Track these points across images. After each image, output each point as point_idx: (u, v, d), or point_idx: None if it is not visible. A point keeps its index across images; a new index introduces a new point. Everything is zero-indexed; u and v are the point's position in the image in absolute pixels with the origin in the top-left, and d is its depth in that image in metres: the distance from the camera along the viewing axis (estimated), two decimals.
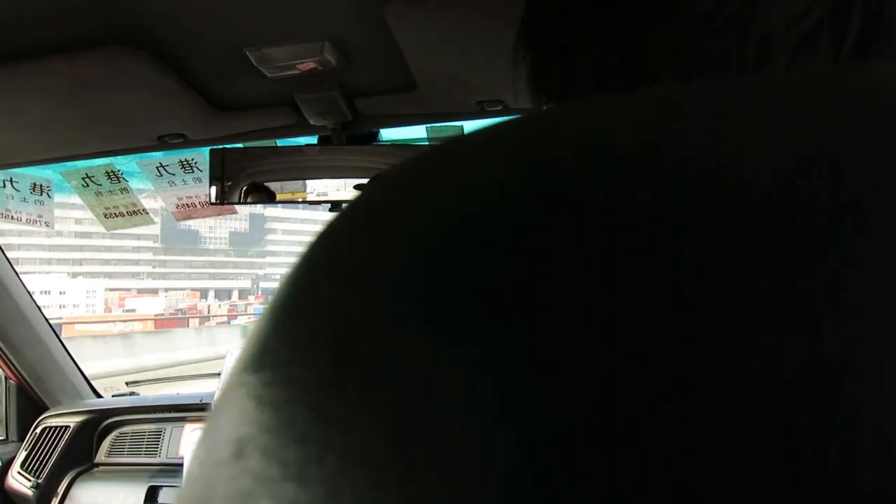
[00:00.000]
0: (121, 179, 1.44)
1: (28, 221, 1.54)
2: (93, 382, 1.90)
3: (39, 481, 1.59)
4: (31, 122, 1.08)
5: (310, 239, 0.16)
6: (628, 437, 0.10)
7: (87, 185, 1.44)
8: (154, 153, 1.35)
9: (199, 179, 1.41)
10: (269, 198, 1.21)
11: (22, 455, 1.68)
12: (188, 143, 1.19)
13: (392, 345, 0.12)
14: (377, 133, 1.18)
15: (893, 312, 0.10)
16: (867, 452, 0.09)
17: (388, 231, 0.14)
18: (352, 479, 0.11)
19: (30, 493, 1.59)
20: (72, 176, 1.44)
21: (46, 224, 1.55)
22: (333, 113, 1.06)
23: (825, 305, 0.10)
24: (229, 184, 1.21)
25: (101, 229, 1.54)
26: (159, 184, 1.43)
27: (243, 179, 1.21)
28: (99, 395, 1.89)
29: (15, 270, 1.69)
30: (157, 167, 1.41)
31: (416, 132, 1.22)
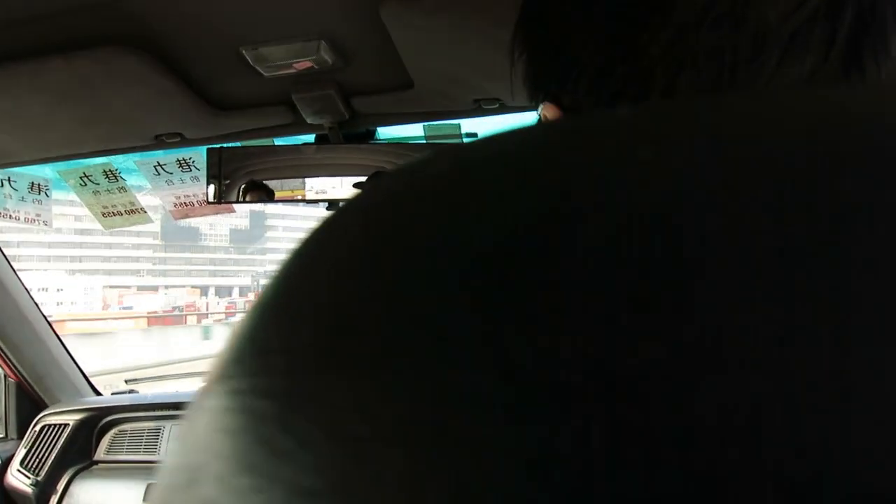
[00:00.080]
0: (118, 178, 1.44)
1: (26, 220, 1.54)
2: None
3: (39, 479, 1.60)
4: (28, 121, 1.08)
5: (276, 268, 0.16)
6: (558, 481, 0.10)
7: (85, 185, 1.44)
8: (152, 152, 1.35)
9: (196, 178, 1.41)
10: (267, 196, 1.21)
11: (21, 453, 1.69)
12: (185, 142, 1.19)
13: (336, 380, 0.12)
14: (374, 131, 1.18)
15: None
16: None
17: (332, 268, 0.14)
18: None
19: (29, 490, 1.59)
20: (69, 175, 1.44)
21: (45, 223, 1.56)
22: (330, 112, 1.06)
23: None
24: (227, 182, 1.21)
25: (101, 226, 1.54)
26: (157, 182, 1.43)
27: (241, 178, 1.21)
28: (98, 393, 1.90)
29: (14, 269, 1.69)
30: (154, 166, 1.41)
31: (413, 130, 1.22)
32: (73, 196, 1.49)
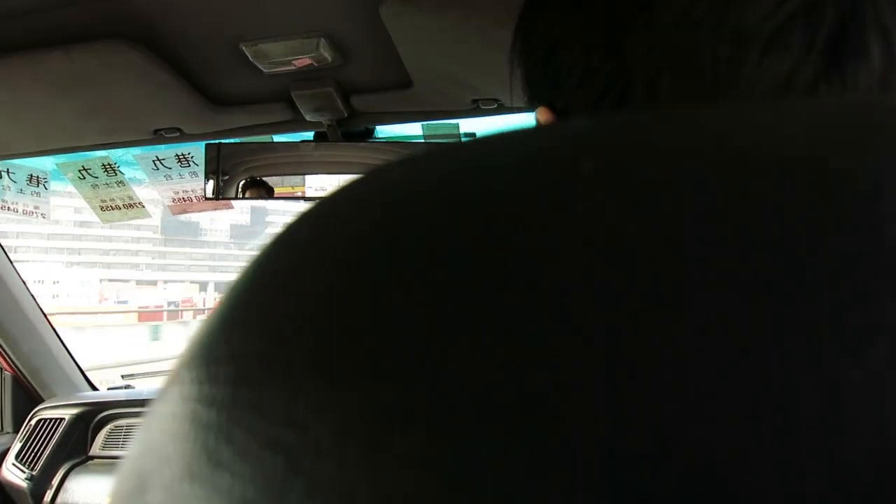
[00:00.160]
0: (117, 172, 1.44)
1: (24, 212, 1.54)
2: None
3: (34, 473, 1.60)
4: (27, 114, 1.08)
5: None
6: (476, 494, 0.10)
7: (84, 178, 1.44)
8: (151, 147, 1.35)
9: (195, 174, 1.41)
10: (266, 193, 1.21)
11: (17, 446, 1.69)
12: (184, 137, 1.19)
13: (274, 391, 0.12)
14: (373, 130, 1.18)
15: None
16: None
17: (279, 281, 0.15)
18: None
19: (24, 484, 1.59)
20: (68, 168, 1.44)
21: (43, 215, 1.56)
22: (329, 109, 1.06)
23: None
24: (225, 178, 1.20)
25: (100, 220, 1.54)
26: (156, 177, 1.43)
27: (239, 174, 1.21)
28: (94, 388, 1.90)
29: (11, 261, 1.69)
30: (153, 160, 1.41)
31: (411, 128, 1.22)
32: (72, 188, 1.49)
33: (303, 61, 0.92)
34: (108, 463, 1.63)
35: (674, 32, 0.24)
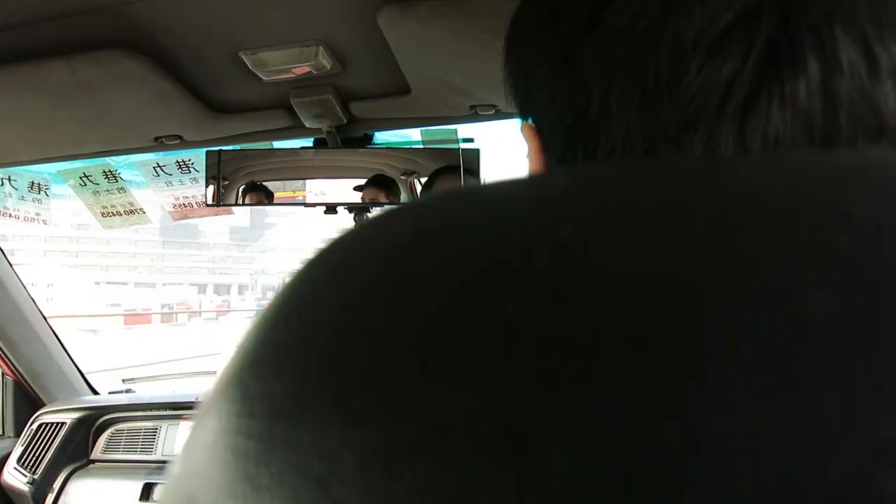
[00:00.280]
0: (118, 179, 1.44)
1: (26, 219, 1.55)
2: None
3: (35, 477, 1.60)
4: (30, 123, 1.08)
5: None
6: None
7: (85, 185, 1.45)
8: (151, 153, 1.36)
9: (195, 180, 1.42)
10: (266, 198, 1.22)
11: (18, 451, 1.69)
12: (185, 144, 1.19)
13: (306, 427, 0.14)
14: (372, 136, 1.19)
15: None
16: None
17: (304, 323, 0.16)
18: None
19: (25, 488, 1.60)
20: (69, 175, 1.45)
21: (44, 222, 1.56)
22: (328, 116, 1.07)
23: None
24: (226, 184, 1.21)
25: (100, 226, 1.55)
26: (156, 183, 1.44)
27: (239, 180, 1.22)
28: (95, 392, 1.90)
29: (12, 266, 1.70)
30: (154, 167, 1.42)
31: (410, 134, 1.23)
32: (72, 192, 1.50)
33: (302, 69, 0.93)
34: (110, 467, 1.64)
35: (620, 47, 0.25)
